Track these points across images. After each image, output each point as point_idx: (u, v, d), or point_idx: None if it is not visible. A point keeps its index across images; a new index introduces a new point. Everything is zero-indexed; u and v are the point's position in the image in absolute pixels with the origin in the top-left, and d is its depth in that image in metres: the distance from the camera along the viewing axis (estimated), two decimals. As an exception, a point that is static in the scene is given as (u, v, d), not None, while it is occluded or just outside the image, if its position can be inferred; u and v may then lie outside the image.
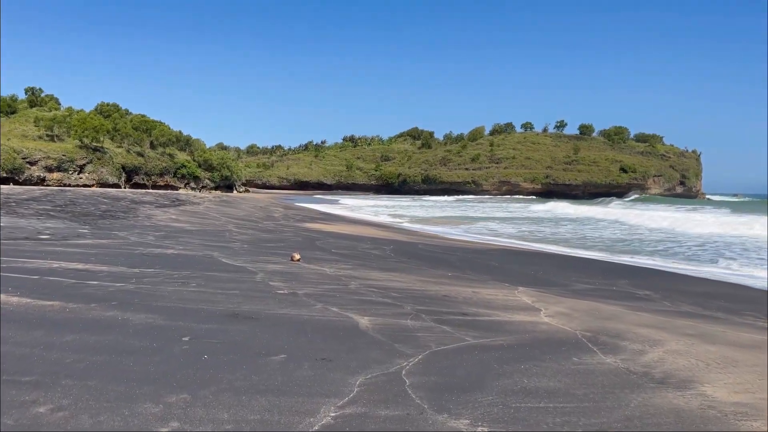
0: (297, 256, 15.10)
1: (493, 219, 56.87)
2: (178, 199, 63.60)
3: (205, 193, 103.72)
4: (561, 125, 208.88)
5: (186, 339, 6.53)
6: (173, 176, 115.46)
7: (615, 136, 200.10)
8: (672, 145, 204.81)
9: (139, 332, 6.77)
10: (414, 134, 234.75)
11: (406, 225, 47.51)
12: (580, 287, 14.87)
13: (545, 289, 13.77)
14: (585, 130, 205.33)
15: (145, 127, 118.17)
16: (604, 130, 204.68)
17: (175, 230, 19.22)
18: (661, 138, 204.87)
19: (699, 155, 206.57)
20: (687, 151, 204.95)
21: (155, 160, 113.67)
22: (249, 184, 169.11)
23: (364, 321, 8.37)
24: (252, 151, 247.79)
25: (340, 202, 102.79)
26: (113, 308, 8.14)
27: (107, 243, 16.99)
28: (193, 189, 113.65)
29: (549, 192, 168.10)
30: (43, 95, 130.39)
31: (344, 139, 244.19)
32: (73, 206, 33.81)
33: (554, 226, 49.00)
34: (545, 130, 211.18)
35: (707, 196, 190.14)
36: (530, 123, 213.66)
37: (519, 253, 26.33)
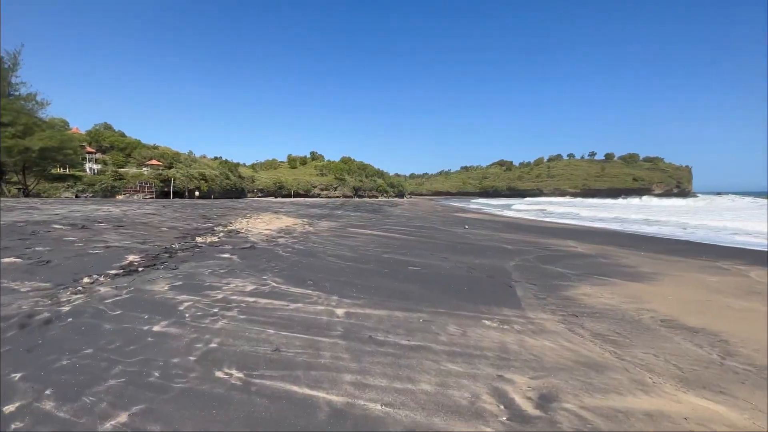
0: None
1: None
2: (380, 204, 58.77)
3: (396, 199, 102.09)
4: (592, 154, 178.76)
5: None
6: (377, 191, 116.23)
7: (629, 159, 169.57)
8: (671, 163, 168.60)
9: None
10: (501, 163, 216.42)
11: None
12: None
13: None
14: (608, 156, 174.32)
15: (370, 171, 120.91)
16: (622, 155, 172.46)
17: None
18: (662, 159, 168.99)
19: (690, 168, 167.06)
20: (682, 166, 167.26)
21: (370, 184, 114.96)
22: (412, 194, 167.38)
23: None
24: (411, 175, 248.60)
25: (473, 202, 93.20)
26: None
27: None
28: (385, 197, 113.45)
29: (584, 194, 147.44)
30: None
31: (461, 168, 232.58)
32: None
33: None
34: (582, 157, 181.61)
35: (697, 195, 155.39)
36: (572, 153, 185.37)
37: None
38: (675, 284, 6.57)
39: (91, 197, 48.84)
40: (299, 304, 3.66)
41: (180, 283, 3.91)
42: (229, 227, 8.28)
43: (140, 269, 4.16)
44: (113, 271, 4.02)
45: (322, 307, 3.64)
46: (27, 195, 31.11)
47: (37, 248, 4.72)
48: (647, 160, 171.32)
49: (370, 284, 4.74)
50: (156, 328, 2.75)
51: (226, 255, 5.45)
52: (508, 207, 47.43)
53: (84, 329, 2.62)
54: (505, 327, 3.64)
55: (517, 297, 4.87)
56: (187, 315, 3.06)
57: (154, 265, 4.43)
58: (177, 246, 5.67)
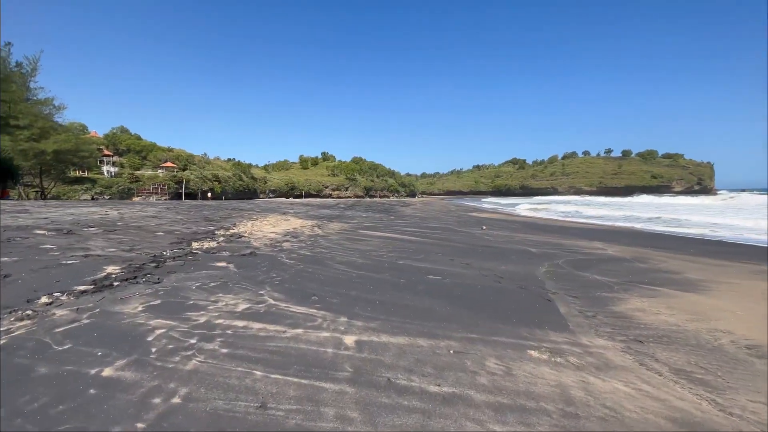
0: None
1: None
2: (391, 202, 58.00)
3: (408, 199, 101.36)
4: (608, 151, 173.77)
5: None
6: (389, 191, 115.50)
7: (647, 155, 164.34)
8: (691, 159, 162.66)
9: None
10: (514, 161, 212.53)
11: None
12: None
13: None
14: (626, 153, 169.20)
15: (381, 171, 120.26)
16: (640, 152, 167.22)
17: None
18: (682, 155, 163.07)
19: (712, 165, 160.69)
20: (703, 162, 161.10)
21: (381, 183, 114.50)
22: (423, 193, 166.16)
23: None
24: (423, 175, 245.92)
25: (486, 201, 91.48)
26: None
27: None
28: (396, 197, 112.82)
29: (601, 192, 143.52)
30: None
31: (474, 167, 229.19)
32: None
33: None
34: (598, 154, 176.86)
35: (718, 191, 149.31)
36: (588, 151, 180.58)
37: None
38: (735, 294, 5.65)
39: (108, 199, 49.64)
40: (299, 330, 2.96)
41: (158, 301, 3.25)
42: (231, 231, 7.65)
43: (116, 284, 3.51)
44: (82, 287, 3.35)
45: (328, 334, 2.93)
46: (44, 198, 31.51)
47: (3, 258, 4.16)
48: (666, 156, 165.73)
49: (385, 299, 4.01)
50: (106, 372, 2.08)
51: (222, 264, 4.79)
52: (514, 206, 46.11)
53: (8, 377, 1.97)
54: (559, 360, 2.87)
55: (561, 315, 4.07)
56: (153, 349, 2.39)
57: (135, 277, 3.77)
58: (168, 253, 5.03)
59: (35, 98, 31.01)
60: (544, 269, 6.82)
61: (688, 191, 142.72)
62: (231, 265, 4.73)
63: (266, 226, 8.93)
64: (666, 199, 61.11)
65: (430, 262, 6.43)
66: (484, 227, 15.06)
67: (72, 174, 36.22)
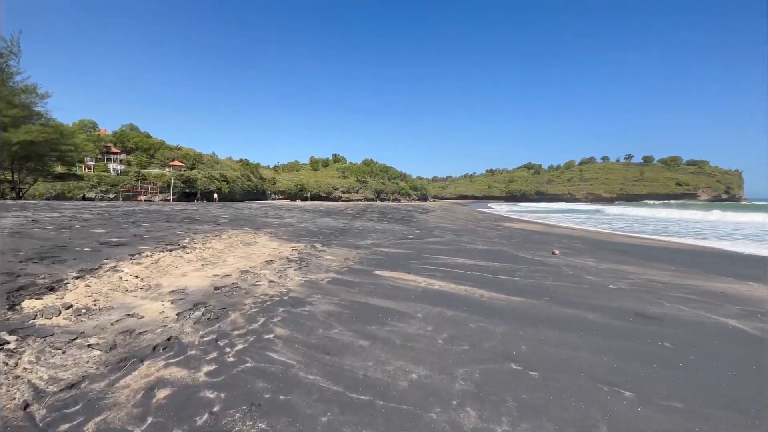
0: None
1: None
2: (407, 207, 53.04)
3: (422, 202, 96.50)
4: (629, 157, 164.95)
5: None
6: (400, 194, 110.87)
7: (671, 162, 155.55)
8: (717, 167, 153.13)
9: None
10: (528, 166, 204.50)
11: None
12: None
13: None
14: (647, 159, 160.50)
15: (392, 173, 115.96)
16: (662, 158, 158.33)
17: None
18: (708, 162, 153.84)
19: (741, 172, 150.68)
20: (731, 170, 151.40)
21: (392, 186, 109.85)
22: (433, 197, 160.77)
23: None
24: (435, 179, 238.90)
25: (493, 206, 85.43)
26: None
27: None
28: (408, 200, 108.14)
29: (622, 199, 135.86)
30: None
31: (487, 171, 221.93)
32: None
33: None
34: (617, 160, 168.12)
35: (747, 201, 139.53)
36: (607, 156, 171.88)
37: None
38: None
39: (112, 198, 46.12)
40: None
41: None
42: (32, 305, 2.92)
43: None
44: None
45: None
46: (20, 197, 27.70)
47: None
48: (691, 163, 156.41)
49: None
50: None
51: None
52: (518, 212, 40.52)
53: None
54: None
55: None
56: None
57: None
58: None
59: (13, 84, 27.21)
60: None
61: (716, 200, 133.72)
62: None
63: (184, 267, 4.18)
64: (675, 213, 39.89)
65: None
66: (556, 252, 10.03)
67: (56, 170, 32.22)
